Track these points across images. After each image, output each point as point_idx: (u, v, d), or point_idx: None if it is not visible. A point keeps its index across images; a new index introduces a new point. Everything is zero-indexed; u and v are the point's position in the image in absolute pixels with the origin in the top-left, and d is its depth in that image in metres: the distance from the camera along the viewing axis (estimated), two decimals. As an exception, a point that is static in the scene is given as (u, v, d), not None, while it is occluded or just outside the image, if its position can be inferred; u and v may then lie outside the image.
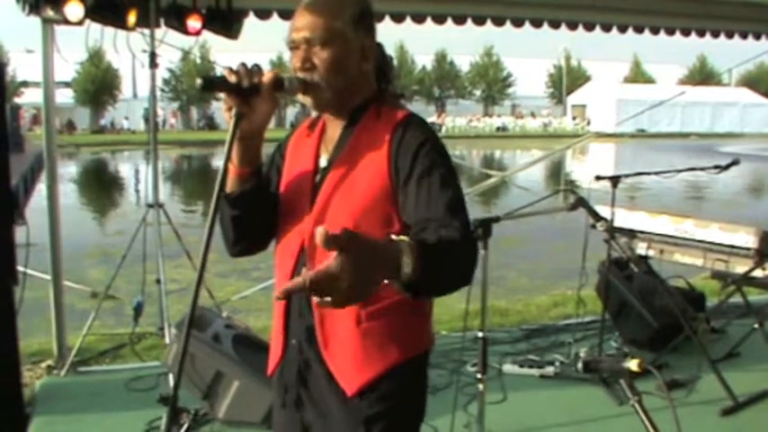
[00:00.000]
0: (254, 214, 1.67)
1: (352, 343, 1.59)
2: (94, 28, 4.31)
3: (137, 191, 15.62)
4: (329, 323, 1.60)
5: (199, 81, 1.49)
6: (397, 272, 1.22)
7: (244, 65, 1.52)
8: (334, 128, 1.67)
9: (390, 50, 1.76)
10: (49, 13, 3.95)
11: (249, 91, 1.51)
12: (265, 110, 1.55)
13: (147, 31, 4.50)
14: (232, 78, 1.50)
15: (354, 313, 1.56)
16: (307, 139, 1.72)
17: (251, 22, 4.85)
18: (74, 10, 3.89)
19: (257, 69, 1.53)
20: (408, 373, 1.62)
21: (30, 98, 33.47)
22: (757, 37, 5.99)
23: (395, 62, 1.79)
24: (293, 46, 1.58)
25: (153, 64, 4.55)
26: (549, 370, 4.32)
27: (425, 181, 1.50)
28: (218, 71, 1.55)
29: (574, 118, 50.40)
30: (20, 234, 3.49)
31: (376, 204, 1.54)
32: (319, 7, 1.56)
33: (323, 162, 1.66)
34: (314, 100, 1.60)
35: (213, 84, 1.52)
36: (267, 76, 1.52)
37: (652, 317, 4.53)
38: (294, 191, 1.68)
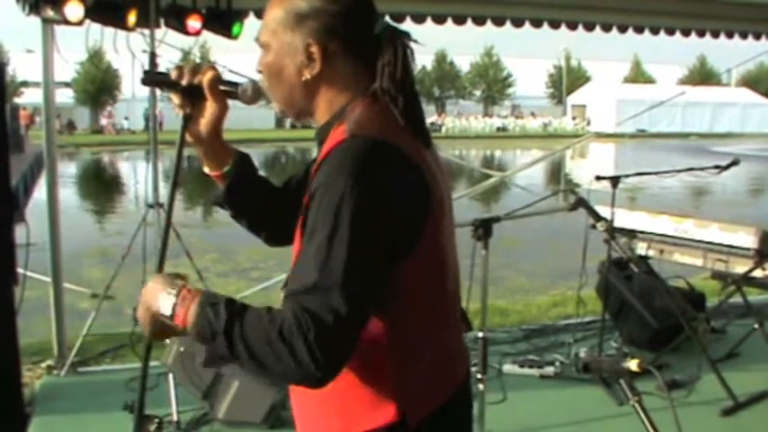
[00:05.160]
0: (254, 209, 1.59)
1: (302, 400, 1.44)
2: (94, 28, 4.32)
3: (135, 196, 15.61)
4: None
5: (141, 76, 1.45)
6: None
7: (195, 65, 1.44)
8: None
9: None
10: (49, 13, 3.95)
11: (193, 91, 1.42)
12: (213, 112, 1.44)
13: (147, 32, 4.50)
14: (173, 75, 1.42)
15: None
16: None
17: (251, 21, 4.85)
18: (74, 10, 3.89)
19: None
20: None
21: (30, 98, 33.44)
22: (757, 37, 5.99)
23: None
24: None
25: (153, 64, 4.55)
26: (549, 370, 4.32)
27: (304, 247, 1.24)
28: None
29: (574, 118, 50.36)
30: (20, 234, 3.49)
31: None
32: (269, 5, 1.40)
33: None
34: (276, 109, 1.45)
35: (154, 80, 1.48)
36: (207, 76, 1.41)
37: (652, 317, 4.53)
38: None
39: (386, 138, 1.27)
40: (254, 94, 1.44)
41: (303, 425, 1.46)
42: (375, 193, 1.20)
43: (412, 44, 1.37)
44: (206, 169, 1.55)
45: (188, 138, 1.48)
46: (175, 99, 1.43)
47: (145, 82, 1.47)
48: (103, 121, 41.84)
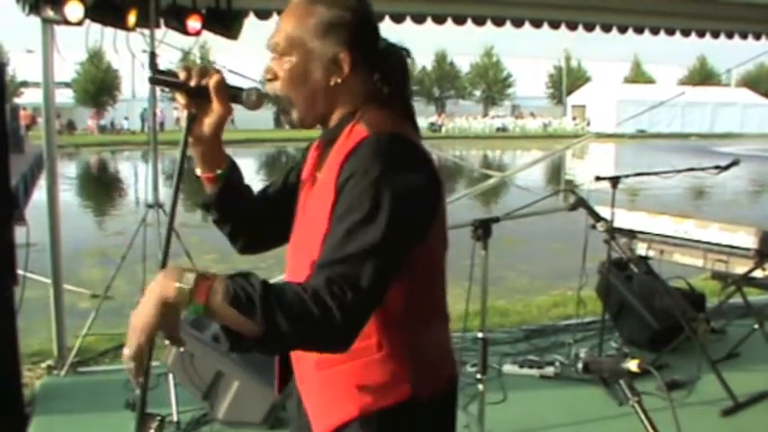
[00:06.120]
0: (238, 215, 1.62)
1: (316, 386, 1.49)
2: (94, 28, 4.31)
3: (135, 197, 15.61)
4: (300, 361, 1.53)
5: (149, 74, 1.48)
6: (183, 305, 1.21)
7: (203, 67, 1.46)
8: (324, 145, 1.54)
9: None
10: (49, 13, 3.95)
11: (200, 92, 1.45)
12: (216, 115, 1.47)
13: (147, 32, 4.49)
14: (182, 76, 1.45)
15: (314, 356, 1.45)
16: (314, 151, 1.58)
17: (251, 21, 4.85)
18: (74, 10, 3.89)
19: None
20: (387, 421, 1.43)
21: (30, 98, 33.44)
22: (757, 37, 5.99)
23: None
24: (270, 53, 1.50)
25: (153, 64, 4.55)
26: (549, 370, 4.32)
27: (337, 225, 1.31)
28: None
29: (574, 118, 50.39)
30: (20, 234, 3.49)
31: None
32: (289, 12, 1.47)
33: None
34: (282, 115, 1.50)
35: (161, 79, 1.49)
36: (213, 79, 1.44)
37: (652, 317, 4.53)
38: (296, 202, 1.59)
39: (403, 134, 1.41)
40: (258, 100, 1.48)
41: (317, 411, 1.51)
42: (405, 179, 1.32)
43: (410, 59, 1.52)
44: (198, 171, 1.58)
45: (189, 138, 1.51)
46: (181, 99, 1.47)
47: (153, 81, 1.49)
48: (89, 121, 41.62)
